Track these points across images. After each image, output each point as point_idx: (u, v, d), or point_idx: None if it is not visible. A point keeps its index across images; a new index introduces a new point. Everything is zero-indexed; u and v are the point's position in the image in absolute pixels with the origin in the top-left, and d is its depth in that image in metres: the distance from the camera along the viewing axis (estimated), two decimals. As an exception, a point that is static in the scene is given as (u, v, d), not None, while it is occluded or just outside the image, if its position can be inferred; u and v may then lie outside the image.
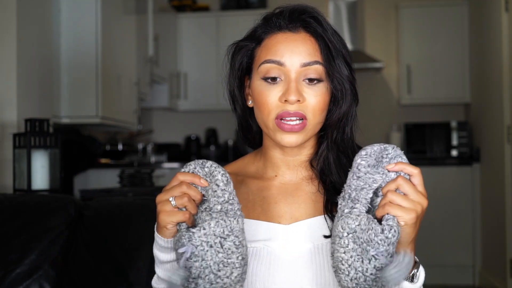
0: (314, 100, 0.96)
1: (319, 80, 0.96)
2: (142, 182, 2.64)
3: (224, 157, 4.81)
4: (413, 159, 4.48)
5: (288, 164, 1.04)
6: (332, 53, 0.97)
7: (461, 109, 4.84)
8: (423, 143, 4.56)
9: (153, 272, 1.01)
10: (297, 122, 0.95)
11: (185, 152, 4.95)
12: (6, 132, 2.46)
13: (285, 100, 0.94)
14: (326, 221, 0.97)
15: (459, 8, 4.60)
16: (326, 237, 0.95)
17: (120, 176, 2.67)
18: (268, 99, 0.96)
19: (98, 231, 1.47)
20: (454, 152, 4.49)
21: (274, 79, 0.96)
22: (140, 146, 4.68)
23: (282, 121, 0.95)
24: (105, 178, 3.85)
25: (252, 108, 1.02)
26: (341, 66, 0.97)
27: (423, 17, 4.69)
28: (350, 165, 0.95)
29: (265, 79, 0.97)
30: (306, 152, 1.04)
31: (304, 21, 0.98)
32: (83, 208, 1.53)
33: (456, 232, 4.26)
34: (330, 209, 0.97)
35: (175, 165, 4.40)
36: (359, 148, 1.03)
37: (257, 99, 0.98)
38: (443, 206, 4.26)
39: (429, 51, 4.65)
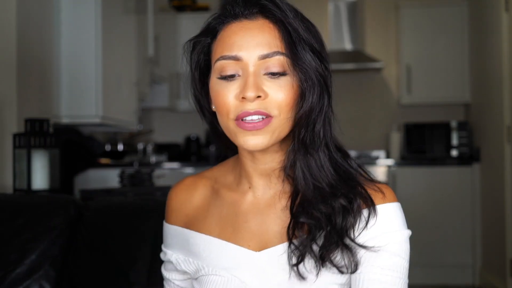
0: (278, 95, 0.82)
1: (282, 74, 0.83)
2: (142, 182, 2.64)
3: (224, 157, 4.81)
4: (413, 159, 4.49)
5: (260, 173, 0.91)
6: (293, 39, 0.83)
7: (461, 109, 4.84)
8: (423, 143, 4.56)
9: (153, 272, 1.01)
10: (259, 120, 0.82)
11: (185, 152, 4.95)
12: (6, 132, 2.45)
13: (243, 97, 0.81)
14: (290, 248, 0.84)
15: (459, 8, 4.60)
16: (293, 265, 0.84)
17: (120, 176, 2.67)
18: (225, 99, 0.83)
19: (98, 231, 1.47)
20: (454, 152, 4.49)
21: (231, 76, 0.83)
22: (140, 146, 4.68)
23: (243, 121, 0.82)
24: (105, 178, 3.85)
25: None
26: (306, 55, 0.82)
27: (423, 17, 4.69)
28: (322, 171, 0.85)
29: (222, 78, 0.84)
30: (278, 158, 0.89)
31: (261, 5, 0.84)
32: (83, 208, 1.53)
33: (456, 232, 4.26)
34: (293, 231, 0.84)
35: (175, 165, 4.40)
36: (341, 151, 0.90)
37: (215, 100, 0.86)
38: (443, 206, 4.26)
39: (429, 51, 4.65)
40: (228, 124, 0.85)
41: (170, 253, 1.00)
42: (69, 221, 1.49)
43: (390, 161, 4.41)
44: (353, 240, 0.84)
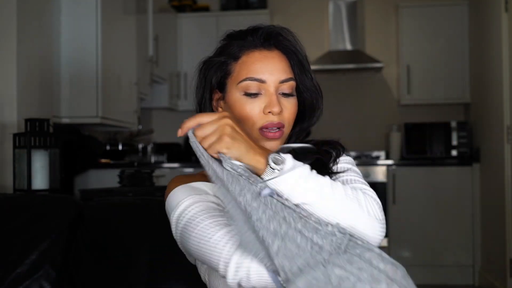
0: (289, 111, 1.07)
1: (291, 95, 1.07)
2: (142, 182, 2.64)
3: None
4: (413, 159, 4.49)
5: None
6: (300, 68, 1.09)
7: (461, 109, 4.84)
8: (423, 143, 4.55)
9: (153, 272, 1.00)
10: (277, 130, 1.05)
11: (185, 152, 4.94)
12: (6, 132, 2.45)
13: (269, 112, 1.04)
14: None
15: (459, 8, 4.60)
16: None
17: (120, 176, 2.67)
18: (252, 112, 1.05)
19: (98, 231, 1.47)
20: (454, 152, 4.49)
21: (255, 94, 1.05)
22: (140, 146, 4.67)
23: (265, 130, 1.05)
24: (105, 178, 3.85)
25: None
26: (307, 79, 1.09)
27: (423, 17, 4.69)
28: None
29: (247, 94, 1.05)
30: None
31: (276, 39, 1.08)
32: (83, 208, 1.53)
33: (456, 232, 4.26)
34: None
35: (175, 165, 4.40)
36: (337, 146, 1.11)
37: (238, 111, 1.06)
38: (443, 206, 4.26)
39: (429, 51, 4.65)
40: (251, 132, 1.04)
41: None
42: (69, 221, 1.49)
43: (390, 161, 4.41)
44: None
